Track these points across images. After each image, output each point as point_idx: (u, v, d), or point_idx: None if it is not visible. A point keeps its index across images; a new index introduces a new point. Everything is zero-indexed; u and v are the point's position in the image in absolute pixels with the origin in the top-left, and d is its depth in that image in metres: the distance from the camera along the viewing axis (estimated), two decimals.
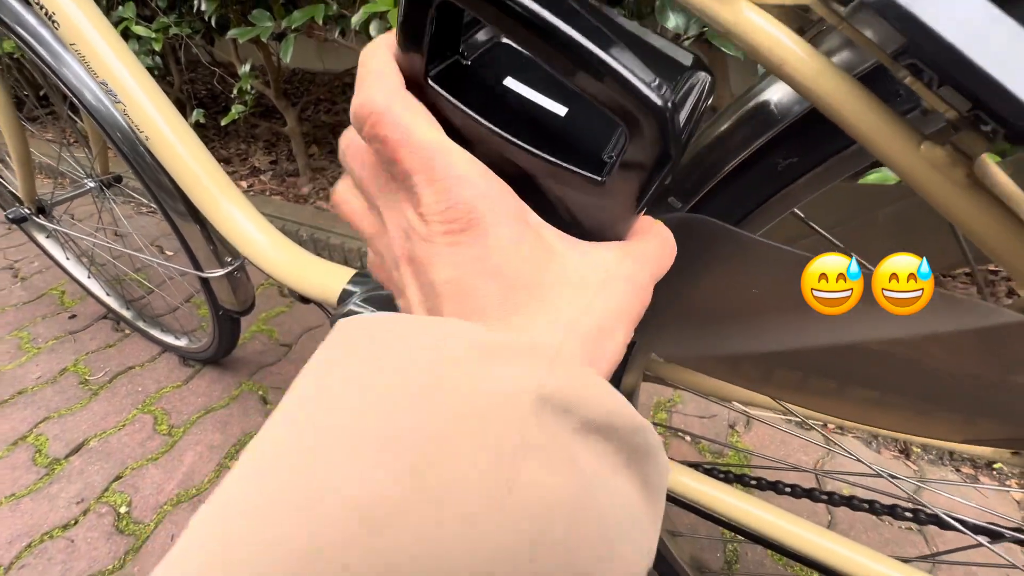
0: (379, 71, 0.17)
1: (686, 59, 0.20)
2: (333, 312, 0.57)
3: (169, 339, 1.07)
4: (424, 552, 0.11)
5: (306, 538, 0.11)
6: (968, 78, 0.16)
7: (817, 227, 0.30)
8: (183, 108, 1.89)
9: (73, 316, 1.25)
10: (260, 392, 1.03)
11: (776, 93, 0.25)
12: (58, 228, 0.90)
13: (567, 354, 0.15)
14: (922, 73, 0.20)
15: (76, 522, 0.81)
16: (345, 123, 2.05)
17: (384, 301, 0.52)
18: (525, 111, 0.18)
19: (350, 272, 0.58)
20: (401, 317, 0.15)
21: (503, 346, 0.14)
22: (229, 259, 0.76)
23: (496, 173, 0.18)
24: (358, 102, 0.17)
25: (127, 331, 1.20)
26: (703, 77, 0.19)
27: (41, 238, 1.05)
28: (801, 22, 0.24)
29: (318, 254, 1.46)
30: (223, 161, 1.88)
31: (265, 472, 0.13)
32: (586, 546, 0.13)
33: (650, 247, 0.19)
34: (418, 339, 0.14)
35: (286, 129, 1.62)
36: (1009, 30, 0.16)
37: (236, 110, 1.44)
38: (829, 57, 0.22)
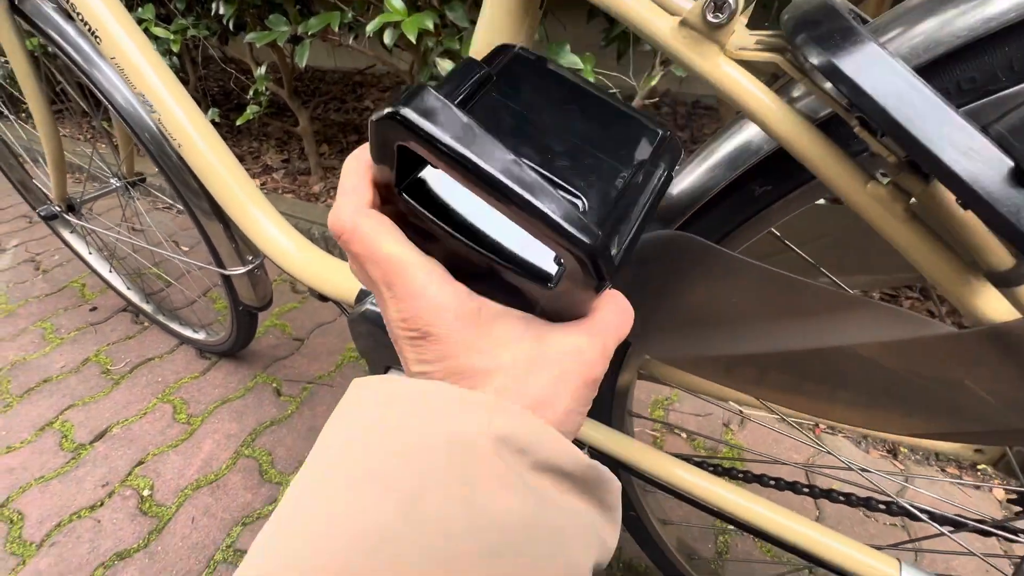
0: (352, 188, 0.20)
1: (652, 139, 0.22)
2: (351, 310, 0.61)
3: (188, 332, 1.11)
4: (416, 563, 0.15)
5: (327, 558, 0.15)
6: (899, 136, 0.20)
7: (791, 244, 0.34)
8: (198, 106, 1.93)
9: (94, 308, 1.30)
10: (274, 384, 1.07)
11: (752, 130, 0.29)
12: (85, 225, 0.94)
13: (513, 406, 0.19)
14: (868, 123, 0.23)
15: (102, 503, 0.86)
16: (353, 121, 2.09)
17: None
18: (486, 215, 0.20)
19: None
20: (393, 380, 0.19)
21: (463, 399, 0.18)
22: (250, 257, 0.80)
23: (462, 267, 0.20)
24: (332, 218, 0.20)
25: (146, 324, 1.24)
26: (661, 169, 0.21)
27: (66, 234, 1.09)
28: (774, 70, 0.27)
29: (330, 251, 1.50)
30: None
31: (300, 506, 0.17)
32: (540, 548, 0.17)
33: (607, 317, 0.22)
34: (405, 398, 0.19)
35: (298, 129, 1.66)
36: (929, 98, 0.20)
37: (251, 111, 1.48)
38: (795, 103, 0.26)
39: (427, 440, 0.17)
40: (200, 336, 1.10)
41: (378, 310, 0.60)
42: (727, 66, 0.25)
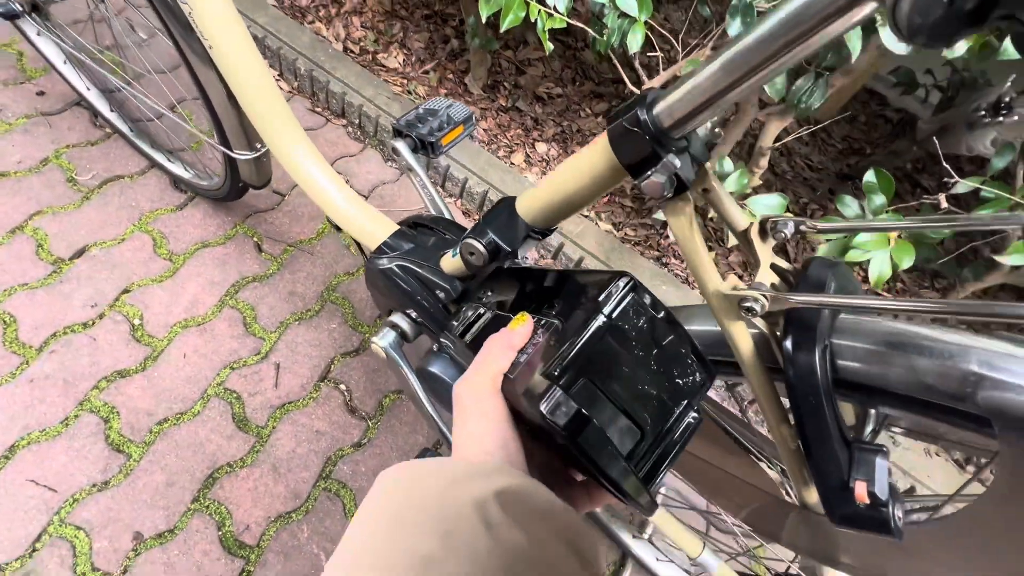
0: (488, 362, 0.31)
1: (703, 375, 0.30)
2: (368, 256, 0.68)
3: (177, 169, 1.08)
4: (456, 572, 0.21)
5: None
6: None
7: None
8: None
9: (41, 92, 1.17)
10: (255, 239, 1.12)
11: None
12: (53, 30, 0.82)
13: (502, 467, 0.27)
14: None
15: (94, 323, 0.94)
16: None
17: (411, 274, 0.62)
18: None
19: (393, 227, 0.67)
20: (411, 464, 0.28)
21: (467, 472, 0.26)
22: (259, 144, 0.79)
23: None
24: (462, 387, 0.31)
25: (107, 129, 1.16)
26: (695, 417, 0.30)
27: (34, 35, 0.92)
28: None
29: (314, 95, 1.39)
30: None
31: (357, 546, 0.24)
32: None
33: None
34: (422, 478, 0.27)
35: None
36: (827, 428, 0.33)
37: None
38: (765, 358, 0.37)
39: (450, 498, 0.25)
40: (189, 175, 1.07)
41: (388, 265, 0.67)
42: (740, 327, 0.35)
